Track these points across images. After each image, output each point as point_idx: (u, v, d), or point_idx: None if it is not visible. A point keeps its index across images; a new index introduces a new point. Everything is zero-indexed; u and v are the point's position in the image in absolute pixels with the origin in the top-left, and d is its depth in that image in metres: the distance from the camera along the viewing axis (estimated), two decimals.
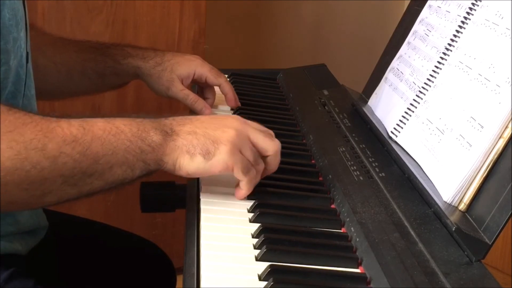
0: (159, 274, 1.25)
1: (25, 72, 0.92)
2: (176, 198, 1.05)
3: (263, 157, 0.89)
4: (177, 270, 1.21)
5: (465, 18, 1.00)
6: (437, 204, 0.86)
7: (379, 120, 1.13)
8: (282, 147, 0.92)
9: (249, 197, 0.90)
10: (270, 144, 0.89)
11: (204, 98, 1.25)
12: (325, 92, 1.35)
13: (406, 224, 0.83)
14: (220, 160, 0.84)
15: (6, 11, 0.84)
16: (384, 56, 1.26)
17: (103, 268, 1.19)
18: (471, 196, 0.84)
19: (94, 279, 1.16)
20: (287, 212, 0.87)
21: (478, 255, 0.77)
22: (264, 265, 0.74)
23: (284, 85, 1.44)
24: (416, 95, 1.04)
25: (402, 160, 0.98)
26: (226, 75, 1.30)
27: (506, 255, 2.06)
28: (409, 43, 1.16)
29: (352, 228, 0.83)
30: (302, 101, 1.31)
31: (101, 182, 0.80)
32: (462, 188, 0.85)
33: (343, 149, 1.06)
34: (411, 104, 1.05)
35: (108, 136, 0.79)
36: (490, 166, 0.83)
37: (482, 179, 0.83)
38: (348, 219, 0.86)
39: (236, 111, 1.24)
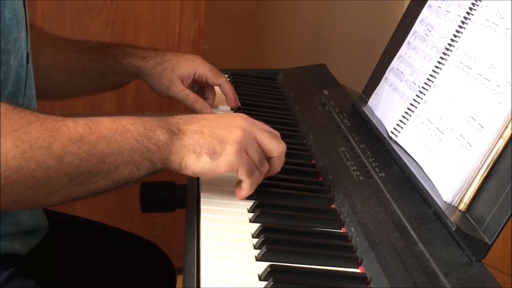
0: (159, 274, 1.25)
1: (26, 72, 0.92)
2: (176, 198, 1.05)
3: (268, 159, 0.89)
4: (177, 270, 1.21)
5: (465, 18, 1.00)
6: (437, 204, 0.86)
7: (379, 120, 1.13)
8: None
9: (249, 197, 0.90)
10: (276, 146, 0.89)
11: (204, 98, 1.25)
12: (325, 92, 1.35)
13: (406, 224, 0.83)
14: (226, 160, 0.83)
15: (7, 11, 0.84)
16: (384, 56, 1.26)
17: (103, 268, 1.19)
18: (471, 196, 0.84)
19: (94, 279, 1.16)
20: (287, 212, 0.87)
21: (478, 255, 0.77)
22: (264, 265, 0.74)
23: (284, 85, 1.44)
24: (416, 95, 1.04)
25: (402, 160, 0.98)
26: (226, 75, 1.30)
27: (506, 255, 2.06)
28: (409, 43, 1.16)
29: (352, 228, 0.83)
30: (302, 101, 1.31)
31: (107, 181, 0.80)
32: (462, 188, 0.85)
33: (343, 149, 1.06)
34: (411, 104, 1.05)
35: (114, 135, 0.79)
36: (490, 166, 0.83)
37: (482, 179, 0.83)
38: (348, 219, 0.85)
39: (236, 111, 1.24)
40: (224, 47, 2.47)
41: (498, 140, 0.83)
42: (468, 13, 1.00)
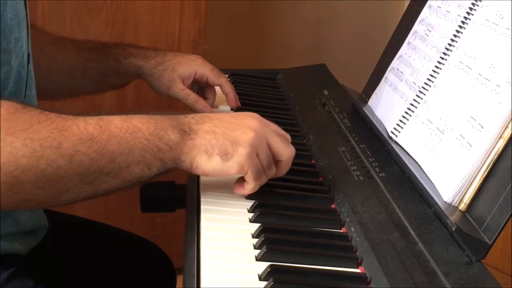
0: (159, 274, 1.25)
1: (26, 72, 0.92)
2: (176, 198, 1.05)
3: (275, 161, 0.88)
4: (177, 270, 1.21)
5: (465, 18, 1.00)
6: (437, 204, 0.86)
7: (379, 120, 1.13)
8: None
9: (249, 197, 0.90)
10: (285, 150, 0.88)
11: (205, 98, 1.25)
12: (325, 92, 1.35)
13: (406, 224, 0.83)
14: (237, 162, 0.83)
15: (8, 11, 0.84)
16: (384, 56, 1.26)
17: (103, 268, 1.19)
18: (471, 196, 0.84)
19: (94, 279, 1.16)
20: (287, 212, 0.87)
21: (478, 255, 0.77)
22: (264, 265, 0.74)
23: (284, 85, 1.44)
24: (416, 95, 1.04)
25: (402, 160, 0.98)
26: (226, 75, 1.30)
27: (506, 255, 2.06)
28: (409, 43, 1.16)
29: (352, 228, 0.83)
30: (302, 101, 1.31)
31: (118, 180, 0.79)
32: (462, 188, 0.85)
33: (343, 149, 1.06)
34: (411, 104, 1.05)
35: (125, 134, 0.79)
36: (490, 166, 0.83)
37: (482, 179, 0.83)
38: (348, 219, 0.85)
39: (236, 111, 1.24)
40: (224, 47, 2.47)
41: (498, 140, 0.83)
42: (468, 13, 1.00)
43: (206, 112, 1.18)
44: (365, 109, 1.19)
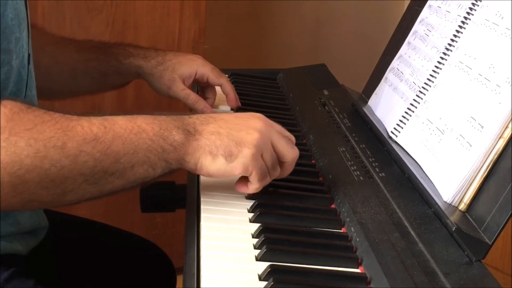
0: (159, 274, 1.25)
1: (27, 73, 0.92)
2: (176, 198, 1.06)
3: (279, 163, 0.88)
4: (177, 270, 1.21)
5: (465, 18, 1.00)
6: (437, 204, 0.86)
7: (379, 120, 1.13)
8: None
9: (249, 197, 0.90)
10: (290, 152, 0.88)
11: (205, 98, 1.25)
12: (325, 92, 1.35)
13: (406, 224, 0.83)
14: (241, 163, 0.83)
15: (8, 11, 0.84)
16: (384, 56, 1.26)
17: (103, 268, 1.19)
18: (471, 196, 0.84)
19: (94, 279, 1.16)
20: (287, 212, 0.87)
21: (478, 255, 0.77)
22: (264, 265, 0.74)
23: (284, 85, 1.44)
24: (416, 95, 1.04)
25: (402, 160, 0.98)
26: (226, 75, 1.30)
27: (506, 255, 2.06)
28: (409, 43, 1.16)
29: (352, 228, 0.83)
30: (302, 101, 1.31)
31: (123, 181, 0.79)
32: (462, 188, 0.85)
33: (343, 149, 1.06)
34: (411, 104, 1.05)
35: (129, 135, 0.79)
36: (490, 166, 0.83)
37: (482, 179, 0.83)
38: (348, 219, 0.85)
39: (236, 111, 1.24)
40: (224, 47, 2.47)
41: (498, 140, 0.83)
42: (468, 13, 1.00)
43: (207, 112, 1.18)
44: (365, 109, 1.19)
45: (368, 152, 1.04)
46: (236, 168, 0.83)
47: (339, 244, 0.82)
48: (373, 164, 1.00)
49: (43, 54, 1.15)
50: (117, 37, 1.83)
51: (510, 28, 0.88)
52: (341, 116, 1.21)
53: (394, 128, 1.06)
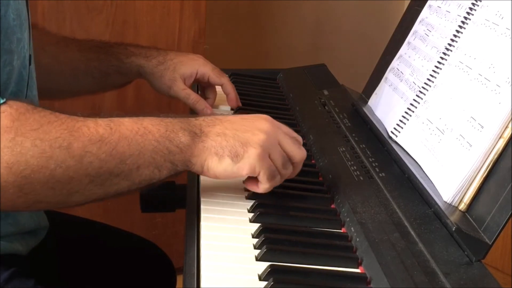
0: (159, 274, 1.25)
1: (28, 73, 0.92)
2: (176, 198, 1.05)
3: None
4: (177, 270, 1.21)
5: (465, 18, 1.00)
6: (437, 204, 0.86)
7: (379, 120, 1.13)
8: None
9: (249, 197, 0.90)
10: (298, 152, 0.88)
11: (205, 98, 1.25)
12: (325, 92, 1.35)
13: (406, 224, 0.83)
14: (248, 163, 0.83)
15: (10, 12, 0.84)
16: (384, 56, 1.26)
17: (103, 268, 1.19)
18: (471, 196, 0.84)
19: (94, 279, 1.16)
20: (287, 212, 0.87)
21: (478, 255, 0.77)
22: (264, 265, 0.74)
23: (284, 85, 1.44)
24: (416, 95, 1.04)
25: (402, 160, 0.98)
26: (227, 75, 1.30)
27: (506, 255, 2.06)
28: (409, 43, 1.16)
29: (352, 228, 0.83)
30: (302, 101, 1.31)
31: (128, 182, 0.79)
32: (462, 188, 0.85)
33: (343, 149, 1.06)
34: (411, 104, 1.05)
35: (135, 136, 0.79)
36: (490, 166, 0.83)
37: (482, 179, 0.83)
38: (348, 219, 0.86)
39: (236, 111, 1.24)
40: (224, 47, 2.47)
41: (498, 140, 0.83)
42: (468, 13, 1.00)
43: (207, 112, 1.18)
44: (365, 109, 1.19)
45: (368, 152, 1.04)
46: (243, 169, 0.83)
47: (339, 244, 0.82)
48: (373, 164, 1.00)
49: (44, 54, 1.15)
50: (117, 37, 1.83)
51: (510, 28, 0.88)
52: (341, 116, 1.21)
53: (394, 128, 1.06)
